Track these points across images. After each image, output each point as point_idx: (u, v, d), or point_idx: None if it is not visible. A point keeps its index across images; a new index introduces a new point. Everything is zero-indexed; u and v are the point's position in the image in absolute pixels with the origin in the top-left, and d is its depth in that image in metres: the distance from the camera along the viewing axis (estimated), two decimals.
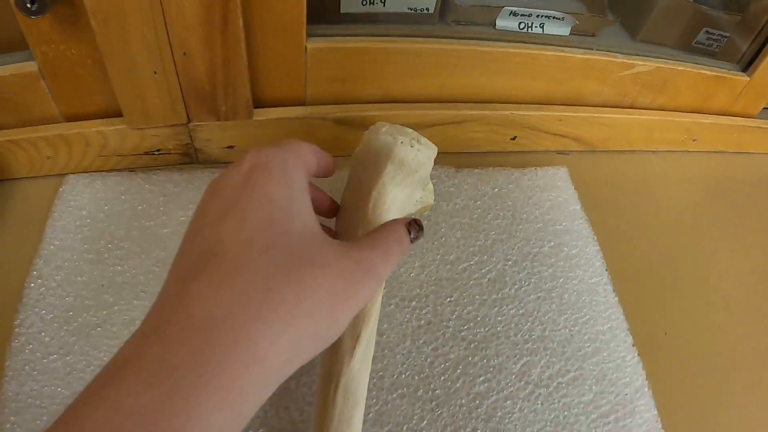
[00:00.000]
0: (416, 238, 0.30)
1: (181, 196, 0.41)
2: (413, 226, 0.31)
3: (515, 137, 0.53)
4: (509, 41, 0.48)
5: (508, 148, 0.54)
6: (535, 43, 0.49)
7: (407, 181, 0.35)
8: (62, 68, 0.38)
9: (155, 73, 0.36)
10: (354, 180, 0.36)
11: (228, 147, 0.45)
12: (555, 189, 0.51)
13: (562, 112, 0.52)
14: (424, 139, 0.36)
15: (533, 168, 0.52)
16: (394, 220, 0.31)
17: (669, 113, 0.57)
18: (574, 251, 0.46)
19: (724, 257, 0.52)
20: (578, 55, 0.49)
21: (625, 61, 0.51)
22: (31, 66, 0.37)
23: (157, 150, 0.43)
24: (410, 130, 0.36)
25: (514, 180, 0.50)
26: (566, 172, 0.52)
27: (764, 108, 0.63)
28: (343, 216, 0.35)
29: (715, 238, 0.53)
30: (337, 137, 0.49)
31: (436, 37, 0.46)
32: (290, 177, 0.26)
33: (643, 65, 0.52)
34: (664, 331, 0.45)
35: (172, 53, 0.35)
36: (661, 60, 0.53)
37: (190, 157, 0.45)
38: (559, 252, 0.46)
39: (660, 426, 0.38)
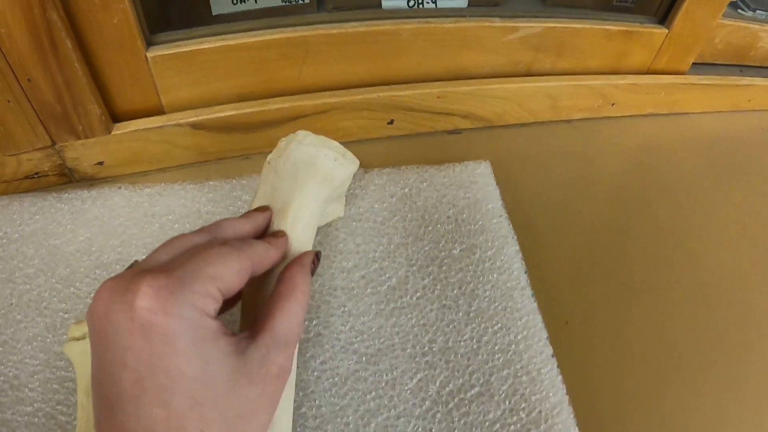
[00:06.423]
0: (314, 271, 0.31)
1: (88, 213, 0.43)
2: (315, 262, 0.31)
3: (392, 121, 0.49)
4: (383, 18, 0.45)
5: (387, 134, 0.50)
6: (398, 18, 0.45)
7: (327, 195, 0.35)
8: None
9: (8, 101, 0.37)
10: (266, 188, 0.34)
11: (97, 163, 0.45)
12: (473, 186, 0.45)
13: (440, 88, 0.48)
14: (349, 154, 0.36)
15: (451, 164, 0.47)
16: (297, 265, 0.30)
17: (575, 77, 0.52)
18: (489, 253, 0.41)
19: (671, 240, 0.46)
20: (446, 25, 0.46)
21: (505, 24, 0.47)
22: None
23: (36, 173, 0.43)
24: (336, 144, 0.35)
25: (427, 178, 0.45)
26: (488, 166, 0.47)
27: (696, 63, 0.58)
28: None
29: (655, 216, 0.48)
30: (199, 143, 0.46)
31: (291, 26, 0.44)
32: (200, 339, 0.23)
33: (529, 27, 0.48)
34: (591, 337, 0.39)
35: (18, 81, 0.36)
36: (551, 20, 0.49)
37: (67, 177, 0.45)
38: (470, 255, 0.41)
39: None
